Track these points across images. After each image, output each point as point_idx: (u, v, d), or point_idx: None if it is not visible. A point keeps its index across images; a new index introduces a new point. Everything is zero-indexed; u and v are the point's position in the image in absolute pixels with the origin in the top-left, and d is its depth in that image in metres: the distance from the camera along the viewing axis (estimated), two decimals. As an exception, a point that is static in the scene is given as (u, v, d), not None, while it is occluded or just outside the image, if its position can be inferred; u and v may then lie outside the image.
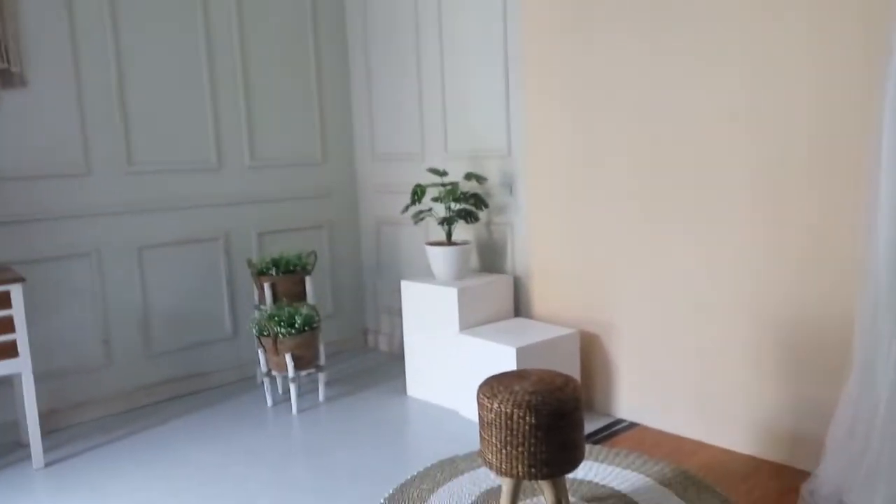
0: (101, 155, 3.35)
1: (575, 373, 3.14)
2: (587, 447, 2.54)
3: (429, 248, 3.42)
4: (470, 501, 2.41)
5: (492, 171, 3.52)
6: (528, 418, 1.92)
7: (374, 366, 4.08)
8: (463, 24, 3.57)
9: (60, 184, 3.24)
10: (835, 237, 2.38)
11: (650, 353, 3.00)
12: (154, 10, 3.48)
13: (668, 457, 2.70)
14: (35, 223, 3.18)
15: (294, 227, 4.09)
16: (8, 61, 3.00)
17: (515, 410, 1.93)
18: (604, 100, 3.02)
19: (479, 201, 3.41)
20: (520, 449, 1.94)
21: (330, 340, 4.11)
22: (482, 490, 2.48)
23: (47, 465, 2.89)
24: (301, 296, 3.56)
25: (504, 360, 2.95)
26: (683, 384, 2.89)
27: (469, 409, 3.17)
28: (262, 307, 3.53)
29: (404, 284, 3.52)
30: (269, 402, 3.48)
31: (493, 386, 2.05)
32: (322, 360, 3.49)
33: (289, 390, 3.42)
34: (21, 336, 2.75)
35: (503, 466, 1.98)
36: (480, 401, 2.02)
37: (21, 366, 2.77)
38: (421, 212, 3.46)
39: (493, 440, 1.98)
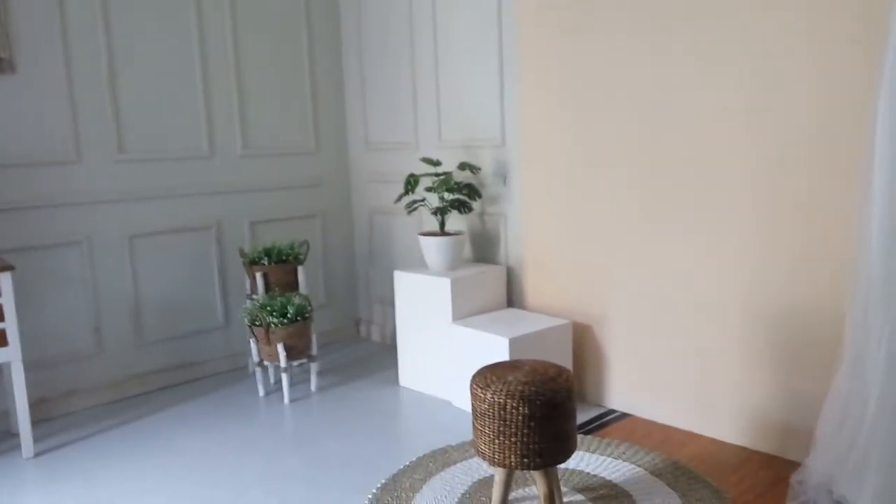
0: (91, 142, 3.32)
1: (567, 363, 3.16)
2: (579, 437, 2.55)
3: (422, 238, 3.41)
4: (462, 491, 2.42)
5: (485, 161, 3.51)
6: (521, 409, 1.92)
7: (367, 356, 4.08)
8: (458, 14, 3.55)
9: (50, 171, 3.21)
10: (830, 233, 2.39)
11: (642, 345, 3.01)
12: (145, -5, 3.44)
13: (659, 447, 2.72)
14: (25, 211, 3.15)
15: (286, 216, 4.07)
16: (-4, 47, 2.97)
17: (509, 401, 1.93)
18: (600, 94, 3.01)
19: (472, 191, 3.40)
20: (513, 439, 1.94)
21: (322, 330, 4.10)
22: (474, 480, 2.49)
23: (37, 454, 2.87)
24: (293, 285, 3.55)
25: (497, 350, 2.95)
26: (675, 375, 2.91)
27: (461, 400, 3.18)
28: (254, 297, 3.52)
29: (397, 274, 3.52)
30: (261, 391, 3.47)
31: (486, 376, 2.05)
32: (314, 350, 3.49)
33: (281, 380, 3.42)
34: (11, 325, 2.73)
35: (496, 456, 1.98)
36: (474, 391, 2.03)
37: (11, 355, 2.75)
38: (414, 201, 3.45)
39: (487, 430, 1.98)
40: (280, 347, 3.30)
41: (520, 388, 1.95)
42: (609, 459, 2.61)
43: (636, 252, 2.97)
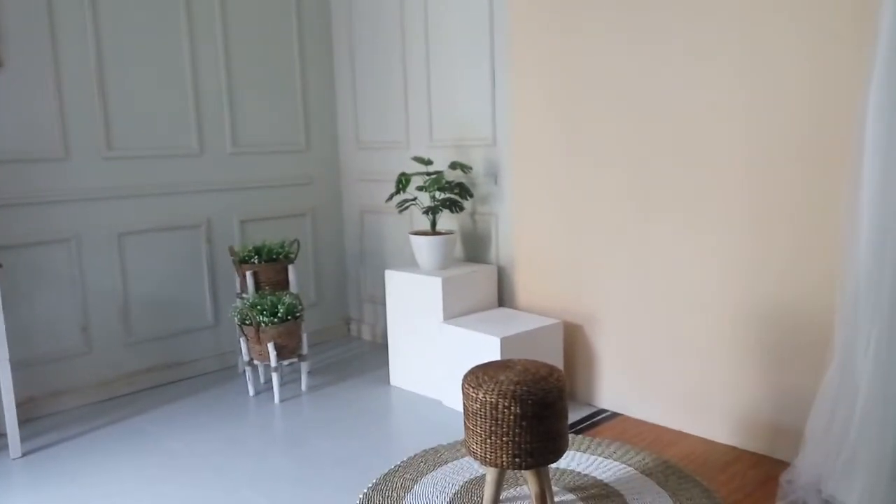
0: (79, 139, 3.29)
1: (558, 363, 3.16)
2: (570, 437, 2.55)
3: (413, 237, 3.40)
4: (453, 491, 2.41)
5: (477, 161, 3.51)
6: (513, 408, 1.92)
7: (358, 355, 4.07)
8: (449, 13, 3.55)
9: (38, 168, 3.18)
10: (822, 234, 2.39)
11: (633, 344, 3.02)
12: (135, -8, 3.42)
13: (650, 447, 2.73)
14: (12, 208, 3.11)
15: (277, 214, 4.06)
16: (-17, 42, 2.94)
17: (500, 400, 1.93)
18: (591, 94, 3.01)
19: (463, 191, 3.40)
20: (504, 439, 1.94)
21: (313, 330, 4.09)
22: (466, 479, 2.49)
23: (25, 454, 2.84)
24: (284, 284, 3.53)
25: (488, 349, 2.95)
26: (665, 375, 2.92)
27: (452, 399, 3.18)
28: (244, 296, 3.50)
29: (388, 274, 3.51)
30: (251, 391, 3.45)
31: (478, 376, 2.05)
32: (305, 350, 3.47)
33: (271, 380, 3.40)
34: (-3, 323, 2.71)
35: (488, 456, 1.98)
36: (466, 391, 2.02)
37: (-3, 353, 2.72)
38: (405, 201, 3.45)
39: (478, 430, 1.98)
40: (270, 347, 3.28)
41: (511, 387, 1.95)
42: (600, 459, 2.61)
43: (627, 252, 2.98)
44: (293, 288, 3.54)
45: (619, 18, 2.87)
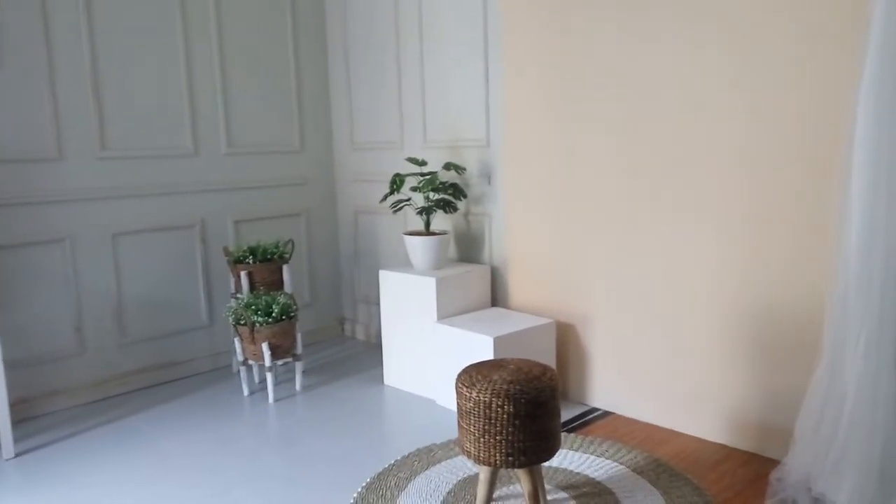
0: (74, 139, 3.29)
1: (551, 362, 3.18)
2: (562, 435, 2.57)
3: (407, 237, 3.42)
4: (447, 490, 2.43)
5: (471, 162, 3.52)
6: (506, 407, 1.94)
7: (352, 355, 4.08)
8: (443, 14, 3.56)
9: (32, 168, 3.18)
10: (815, 235, 2.41)
11: (625, 343, 3.04)
12: (129, -8, 3.42)
13: (641, 445, 2.75)
14: (6, 208, 3.11)
15: (271, 215, 4.06)
16: (-23, 42, 2.93)
17: (494, 399, 1.94)
18: (584, 93, 3.03)
19: (457, 191, 3.42)
20: (498, 437, 1.96)
21: (307, 329, 4.10)
22: (459, 478, 2.50)
23: (18, 455, 2.84)
24: (278, 284, 3.54)
25: (481, 349, 2.97)
26: (656, 374, 2.94)
27: (446, 398, 3.19)
28: (238, 296, 3.50)
29: (382, 274, 3.52)
30: (246, 391, 3.46)
31: (471, 375, 2.07)
32: (299, 349, 3.48)
33: (265, 379, 3.41)
34: (-9, 323, 2.71)
35: (481, 455, 2.00)
36: (459, 390, 2.04)
37: (-9, 354, 2.72)
38: (400, 201, 3.46)
39: (472, 429, 1.99)
40: (265, 346, 3.29)
41: (505, 386, 1.96)
42: (592, 457, 2.63)
43: (619, 252, 3.00)
44: (287, 288, 3.55)
45: (613, 18, 2.88)
